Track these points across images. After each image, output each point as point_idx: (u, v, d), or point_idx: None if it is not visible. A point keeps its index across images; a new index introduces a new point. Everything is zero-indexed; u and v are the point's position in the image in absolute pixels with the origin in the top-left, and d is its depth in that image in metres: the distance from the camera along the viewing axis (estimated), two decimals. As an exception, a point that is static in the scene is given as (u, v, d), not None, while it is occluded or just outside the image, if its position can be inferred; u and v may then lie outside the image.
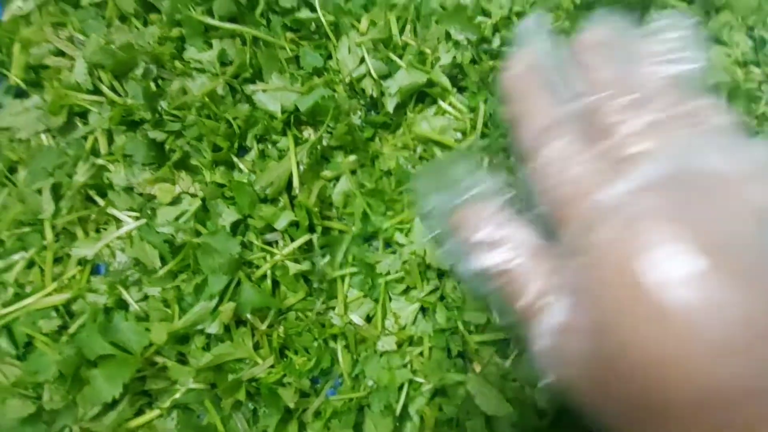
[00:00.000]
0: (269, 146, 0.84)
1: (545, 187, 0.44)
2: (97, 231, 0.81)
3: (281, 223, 0.76)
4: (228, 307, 0.71)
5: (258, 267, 0.77)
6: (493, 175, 0.49)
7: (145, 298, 0.75)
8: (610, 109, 0.43)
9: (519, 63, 0.49)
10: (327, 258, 0.82)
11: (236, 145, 0.83)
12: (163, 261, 0.75)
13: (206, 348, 0.74)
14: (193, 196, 0.80)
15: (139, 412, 0.74)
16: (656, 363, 0.32)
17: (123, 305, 0.75)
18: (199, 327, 0.73)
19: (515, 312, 0.45)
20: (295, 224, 0.77)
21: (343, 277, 0.79)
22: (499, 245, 0.45)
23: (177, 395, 0.74)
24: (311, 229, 0.80)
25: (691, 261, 0.33)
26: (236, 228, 0.77)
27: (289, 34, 0.88)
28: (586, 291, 0.37)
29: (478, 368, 0.74)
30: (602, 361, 0.36)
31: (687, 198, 0.36)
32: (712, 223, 0.35)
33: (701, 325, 0.31)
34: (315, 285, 0.80)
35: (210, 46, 0.86)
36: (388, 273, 0.80)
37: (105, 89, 0.83)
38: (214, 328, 0.72)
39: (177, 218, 0.76)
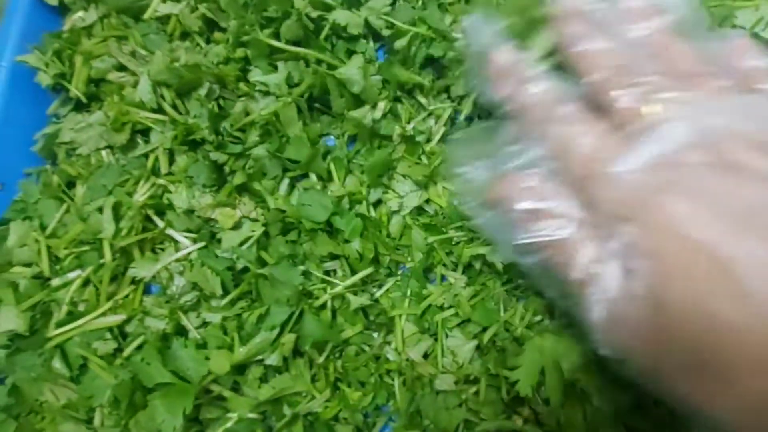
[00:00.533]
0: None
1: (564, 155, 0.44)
2: (153, 251, 0.80)
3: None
4: (289, 339, 0.70)
5: (317, 297, 0.75)
6: (535, 142, 0.48)
7: (204, 324, 0.74)
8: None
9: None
10: (383, 289, 0.81)
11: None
12: (224, 288, 0.74)
13: (263, 379, 0.73)
14: (254, 221, 0.79)
15: (192, 440, 0.73)
16: (727, 326, 0.31)
17: (181, 331, 0.74)
18: (258, 357, 0.71)
19: (565, 284, 0.44)
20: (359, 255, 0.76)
21: (401, 315, 0.78)
22: (546, 215, 0.44)
23: (228, 424, 0.72)
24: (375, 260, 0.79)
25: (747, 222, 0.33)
26: (296, 257, 0.76)
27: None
28: (642, 258, 0.37)
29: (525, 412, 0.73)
30: (663, 327, 0.35)
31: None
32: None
33: None
34: (372, 318, 0.79)
35: (274, 68, 0.85)
36: (442, 307, 0.79)
37: (168, 108, 0.82)
38: (273, 360, 0.71)
39: (241, 244, 0.75)
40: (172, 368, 0.69)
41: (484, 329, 0.78)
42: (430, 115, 0.85)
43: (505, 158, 0.49)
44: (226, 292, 0.74)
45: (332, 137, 0.90)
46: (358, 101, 0.86)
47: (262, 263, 0.75)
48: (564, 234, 0.44)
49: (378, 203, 0.83)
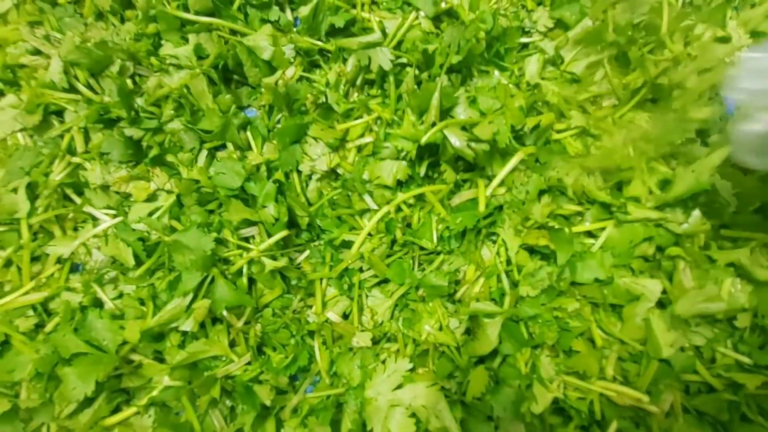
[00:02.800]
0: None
1: None
2: (75, 229, 0.81)
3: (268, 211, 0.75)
4: (201, 305, 0.71)
5: (233, 263, 0.76)
6: None
7: (121, 296, 0.75)
8: None
9: None
10: (306, 254, 0.82)
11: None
12: (138, 259, 0.75)
13: (182, 346, 0.74)
14: (169, 192, 0.79)
15: (117, 410, 0.74)
16: None
17: (99, 304, 0.75)
18: (174, 325, 0.72)
19: None
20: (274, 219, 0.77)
21: (321, 278, 0.78)
22: None
23: (154, 393, 0.73)
24: (292, 224, 0.80)
25: None
26: (210, 225, 0.76)
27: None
28: None
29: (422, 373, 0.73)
30: None
31: None
32: None
33: None
34: (293, 282, 0.80)
35: (186, 41, 0.85)
36: (362, 269, 0.79)
37: (81, 87, 0.83)
38: (188, 326, 0.72)
39: (150, 214, 0.76)
40: (88, 339, 0.70)
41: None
42: (339, 80, 0.84)
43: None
44: (140, 264, 0.75)
45: (253, 109, 0.90)
46: (271, 69, 0.85)
47: (175, 232, 0.75)
48: None
49: (293, 170, 0.83)
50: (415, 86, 0.77)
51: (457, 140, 0.72)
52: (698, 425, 0.69)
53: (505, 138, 0.74)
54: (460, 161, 0.81)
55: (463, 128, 0.74)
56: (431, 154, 0.79)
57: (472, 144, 0.72)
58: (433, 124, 0.73)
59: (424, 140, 0.72)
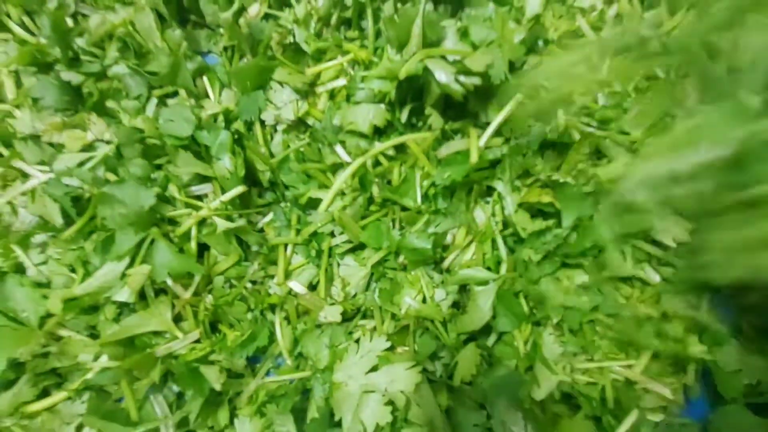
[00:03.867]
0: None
1: None
2: (5, 187, 0.70)
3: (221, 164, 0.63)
4: (138, 270, 0.60)
5: (179, 224, 0.65)
6: None
7: (47, 261, 0.64)
8: None
9: None
10: (269, 217, 0.70)
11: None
12: (69, 219, 0.64)
13: (117, 320, 0.63)
14: (108, 143, 0.68)
15: (45, 394, 0.64)
16: None
17: (21, 269, 0.64)
18: (108, 295, 0.61)
19: None
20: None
21: (285, 244, 0.66)
22: None
23: (89, 375, 0.63)
24: (254, 183, 0.69)
25: None
26: (153, 180, 0.65)
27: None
28: None
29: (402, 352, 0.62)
30: None
31: None
32: None
33: None
34: (253, 248, 0.68)
35: (135, -26, 0.74)
36: (333, 235, 0.68)
37: (13, 26, 0.72)
38: (123, 296, 0.60)
39: (81, 165, 0.65)
40: (3, 309, 0.59)
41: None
42: (310, 16, 0.73)
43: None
44: (71, 225, 0.64)
45: (214, 55, 0.79)
46: (231, 5, 0.74)
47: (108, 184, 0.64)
48: None
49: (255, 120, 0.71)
50: (395, 14, 0.66)
51: (443, 74, 0.60)
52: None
53: (500, 73, 0.62)
54: (450, 109, 0.69)
55: (453, 63, 0.62)
56: (415, 97, 0.68)
57: (461, 78, 0.60)
58: (417, 57, 0.61)
59: (403, 73, 0.60)
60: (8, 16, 0.73)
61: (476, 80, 0.60)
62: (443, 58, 0.62)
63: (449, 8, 0.71)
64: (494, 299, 0.60)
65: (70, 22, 0.73)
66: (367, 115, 0.66)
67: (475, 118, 0.69)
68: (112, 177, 0.65)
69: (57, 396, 0.62)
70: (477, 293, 0.61)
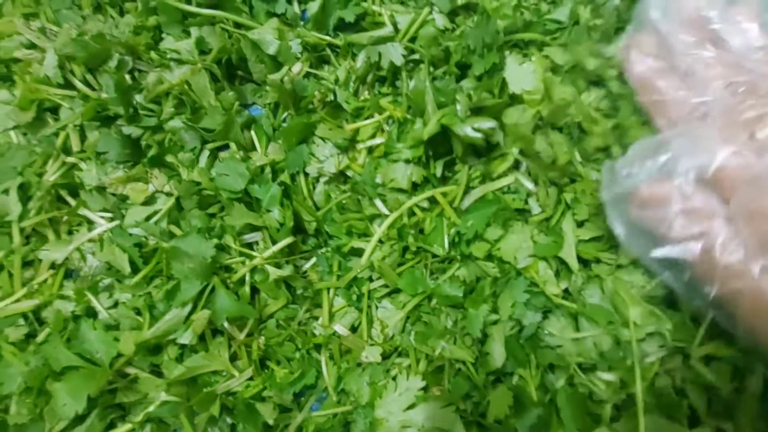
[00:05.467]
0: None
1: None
2: (70, 233, 0.77)
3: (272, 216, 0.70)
4: (201, 316, 0.66)
5: (235, 271, 0.71)
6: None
7: (116, 305, 0.71)
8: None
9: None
10: (312, 261, 0.77)
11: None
12: (135, 266, 0.70)
13: (179, 359, 0.69)
14: (168, 195, 0.75)
15: (111, 426, 0.70)
16: None
17: (93, 313, 0.70)
18: (172, 337, 0.68)
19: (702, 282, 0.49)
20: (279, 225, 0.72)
21: (328, 288, 0.73)
22: (698, 213, 0.49)
23: (150, 408, 0.69)
24: (298, 230, 0.75)
25: None
26: (212, 230, 0.72)
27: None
28: None
29: (437, 392, 0.68)
30: None
31: None
32: None
33: None
34: (299, 292, 0.75)
35: (189, 35, 0.80)
36: (371, 279, 0.74)
37: (77, 83, 0.79)
38: (186, 338, 0.67)
39: (148, 218, 0.71)
40: (80, 351, 0.66)
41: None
42: (349, 76, 0.79)
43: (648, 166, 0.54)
44: (136, 271, 0.70)
45: (258, 107, 0.85)
46: (276, 65, 0.81)
47: (173, 238, 0.71)
48: (717, 229, 0.49)
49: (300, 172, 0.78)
50: (427, 84, 0.72)
51: (459, 128, 0.67)
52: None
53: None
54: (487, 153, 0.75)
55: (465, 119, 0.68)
56: (447, 152, 0.74)
57: (476, 125, 0.66)
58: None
59: (425, 135, 0.67)
60: (72, 73, 0.79)
61: (491, 123, 0.67)
62: (455, 115, 0.69)
63: (453, 77, 0.77)
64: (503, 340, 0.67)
65: (128, 78, 0.79)
66: (405, 173, 0.73)
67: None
68: (174, 228, 0.72)
69: (123, 428, 0.69)
70: (492, 335, 0.68)
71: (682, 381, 0.67)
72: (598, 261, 0.74)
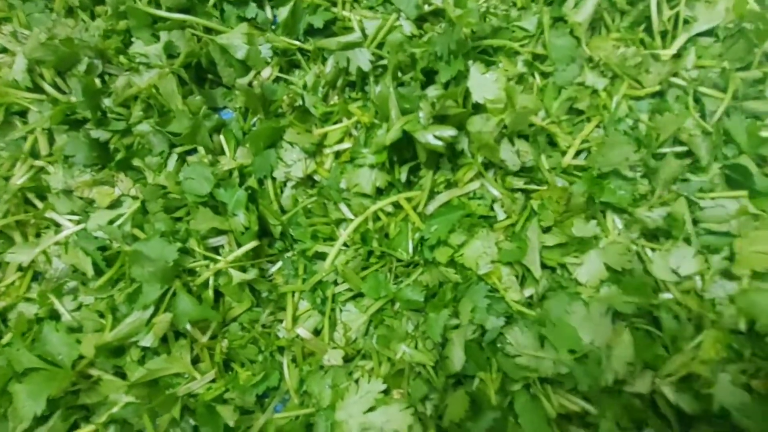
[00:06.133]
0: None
1: None
2: (38, 236, 0.77)
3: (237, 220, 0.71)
4: (162, 319, 0.67)
5: (199, 275, 0.72)
6: None
7: (80, 308, 0.71)
8: None
9: None
10: (278, 265, 0.77)
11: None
12: (99, 269, 0.71)
13: (142, 361, 0.70)
14: (134, 198, 0.75)
15: (75, 427, 0.70)
16: None
17: (56, 316, 0.71)
18: (134, 339, 0.68)
19: None
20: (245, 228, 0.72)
21: (293, 291, 0.74)
22: None
23: (114, 410, 0.70)
24: (264, 234, 0.76)
25: None
26: (176, 233, 0.72)
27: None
28: None
29: (397, 395, 0.69)
30: None
31: None
32: None
33: None
34: (264, 295, 0.75)
35: (158, 39, 0.81)
36: (336, 283, 0.75)
37: (46, 86, 0.79)
38: (148, 341, 0.68)
39: (112, 222, 0.72)
40: (42, 353, 0.66)
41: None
42: (318, 81, 0.80)
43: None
44: (100, 274, 0.71)
45: (230, 111, 0.86)
46: (246, 69, 0.81)
47: (136, 241, 0.71)
48: None
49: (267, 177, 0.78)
50: (391, 90, 0.72)
51: (421, 135, 0.67)
52: None
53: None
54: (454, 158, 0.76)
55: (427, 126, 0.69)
56: (412, 158, 0.75)
57: (437, 133, 0.67)
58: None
59: (387, 140, 0.68)
60: (42, 77, 0.80)
61: (452, 132, 0.67)
62: (418, 122, 0.69)
63: (419, 83, 0.77)
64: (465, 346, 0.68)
65: (97, 82, 0.80)
66: (369, 178, 0.74)
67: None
68: (138, 232, 0.72)
69: (86, 429, 0.69)
70: (452, 339, 0.68)
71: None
72: (563, 266, 0.75)
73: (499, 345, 0.71)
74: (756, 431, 0.66)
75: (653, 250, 0.74)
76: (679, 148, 0.77)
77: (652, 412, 0.68)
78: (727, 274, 0.72)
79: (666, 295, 0.72)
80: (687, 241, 0.73)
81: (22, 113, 0.80)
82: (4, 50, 0.82)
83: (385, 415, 0.67)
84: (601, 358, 0.66)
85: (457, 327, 0.70)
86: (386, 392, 0.69)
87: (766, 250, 0.69)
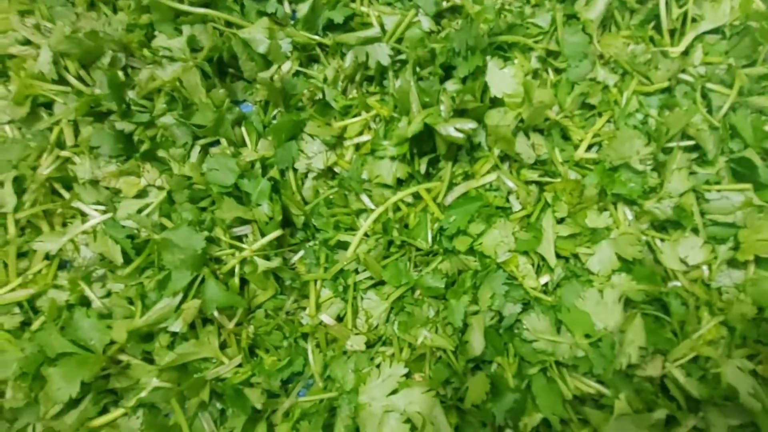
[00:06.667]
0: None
1: None
2: (64, 225, 0.78)
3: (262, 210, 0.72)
4: (191, 305, 0.69)
5: (225, 263, 0.74)
6: None
7: (109, 294, 0.73)
8: None
9: None
10: (300, 254, 0.80)
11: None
12: (127, 257, 0.73)
13: (171, 347, 0.72)
14: (160, 189, 0.77)
15: (104, 411, 0.73)
16: None
17: (86, 302, 0.73)
18: (163, 325, 0.70)
19: None
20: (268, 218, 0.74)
21: (315, 279, 0.76)
22: None
23: (143, 394, 0.72)
24: (286, 223, 0.78)
25: None
26: (202, 223, 0.74)
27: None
28: None
29: (418, 378, 0.71)
30: None
31: None
32: None
33: None
34: (287, 283, 0.78)
35: (180, 33, 0.82)
36: (357, 271, 0.77)
37: (71, 79, 0.80)
38: (177, 327, 0.70)
39: (139, 211, 0.74)
40: (74, 338, 0.68)
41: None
42: (337, 76, 0.82)
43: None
44: (129, 262, 0.73)
45: (249, 104, 0.88)
46: (267, 63, 0.83)
47: (165, 230, 0.73)
48: None
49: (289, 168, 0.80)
50: (412, 84, 0.75)
51: (442, 127, 0.70)
52: None
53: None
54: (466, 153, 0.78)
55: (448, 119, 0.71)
56: (432, 150, 0.77)
57: (458, 125, 0.69)
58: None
59: (409, 133, 0.70)
60: (66, 69, 0.81)
61: (473, 124, 0.70)
62: (439, 115, 0.72)
63: (437, 78, 0.80)
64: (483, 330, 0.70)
65: (121, 74, 0.81)
66: (390, 169, 0.76)
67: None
68: (165, 221, 0.74)
69: (116, 412, 0.72)
70: (472, 325, 0.71)
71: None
72: (575, 256, 0.78)
73: (516, 331, 0.73)
74: (762, 413, 0.70)
75: (662, 240, 0.77)
76: (687, 143, 0.80)
77: (662, 394, 0.71)
78: (733, 264, 0.76)
79: (675, 284, 0.75)
80: (695, 231, 0.76)
81: (48, 105, 0.81)
82: (28, 42, 0.83)
83: (407, 397, 0.69)
84: (614, 343, 0.69)
85: (476, 313, 0.72)
86: (407, 376, 0.71)
87: (770, 238, 0.72)
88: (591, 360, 0.69)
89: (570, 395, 0.69)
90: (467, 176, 0.79)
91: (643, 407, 0.69)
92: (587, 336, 0.69)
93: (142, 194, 0.77)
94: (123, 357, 0.72)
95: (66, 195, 0.78)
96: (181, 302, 0.70)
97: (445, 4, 0.83)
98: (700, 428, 0.70)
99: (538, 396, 0.70)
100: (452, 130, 0.70)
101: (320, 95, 0.82)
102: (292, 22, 0.86)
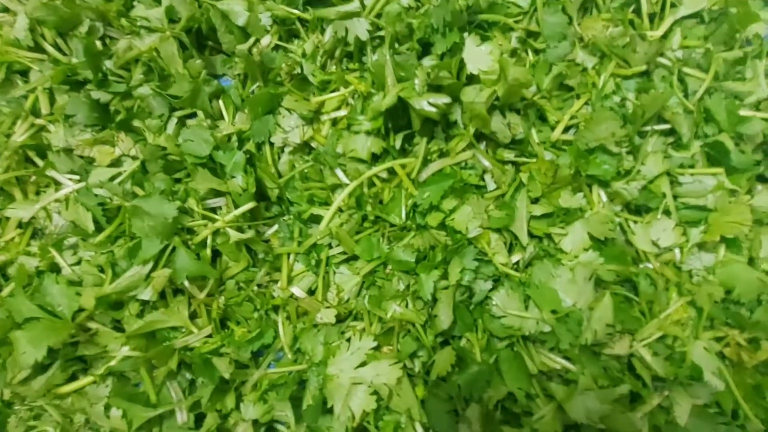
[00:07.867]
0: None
1: None
2: (37, 193, 0.78)
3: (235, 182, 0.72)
4: (161, 273, 0.69)
5: (197, 234, 0.74)
6: None
7: (80, 262, 0.73)
8: None
9: None
10: (274, 228, 0.80)
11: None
12: (99, 225, 0.73)
13: (140, 315, 0.72)
14: (134, 158, 0.77)
15: (73, 378, 0.73)
16: None
17: (56, 269, 0.73)
18: (133, 293, 0.70)
19: None
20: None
21: (288, 253, 0.76)
22: None
23: (112, 362, 0.72)
24: (261, 197, 0.78)
25: None
26: (175, 193, 0.74)
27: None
28: None
29: (387, 351, 0.72)
30: None
31: None
32: None
33: None
34: (260, 256, 0.78)
35: (159, 3, 0.82)
36: (330, 246, 0.77)
37: (47, 47, 0.80)
38: (147, 295, 0.70)
39: (112, 179, 0.74)
40: (42, 303, 0.68)
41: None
42: (316, 50, 0.81)
43: None
44: (100, 230, 0.73)
45: (229, 78, 0.87)
46: (246, 36, 0.83)
47: (136, 198, 0.73)
48: None
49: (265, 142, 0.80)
50: (388, 58, 0.75)
51: (415, 101, 0.70)
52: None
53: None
54: (449, 129, 0.78)
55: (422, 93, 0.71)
56: (407, 125, 0.77)
57: (432, 100, 0.69)
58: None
59: (383, 106, 0.70)
60: (43, 37, 0.80)
61: (446, 99, 0.70)
62: (413, 89, 0.72)
63: (414, 53, 0.79)
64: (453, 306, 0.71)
65: (98, 44, 0.81)
66: (365, 144, 0.76)
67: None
68: (138, 190, 0.74)
69: (84, 380, 0.72)
70: (441, 299, 0.71)
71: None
72: (548, 236, 0.78)
73: (486, 307, 0.74)
74: (725, 392, 0.71)
75: (635, 222, 0.77)
76: (662, 126, 0.80)
77: (629, 373, 0.72)
78: (704, 247, 0.77)
79: (646, 265, 0.76)
80: (667, 214, 0.77)
81: (23, 72, 0.81)
82: (5, 9, 0.83)
83: (374, 369, 0.69)
84: (581, 319, 0.70)
85: (446, 288, 0.73)
86: (376, 349, 0.71)
87: (737, 220, 0.72)
88: (557, 335, 0.69)
89: (536, 370, 0.70)
90: (443, 154, 0.79)
91: (609, 384, 0.70)
92: (554, 312, 0.70)
93: (116, 163, 0.77)
94: (92, 324, 0.72)
95: (40, 163, 0.77)
96: (152, 271, 0.70)
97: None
98: (665, 406, 0.71)
99: (504, 370, 0.70)
100: (426, 104, 0.70)
101: (299, 70, 0.82)
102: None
